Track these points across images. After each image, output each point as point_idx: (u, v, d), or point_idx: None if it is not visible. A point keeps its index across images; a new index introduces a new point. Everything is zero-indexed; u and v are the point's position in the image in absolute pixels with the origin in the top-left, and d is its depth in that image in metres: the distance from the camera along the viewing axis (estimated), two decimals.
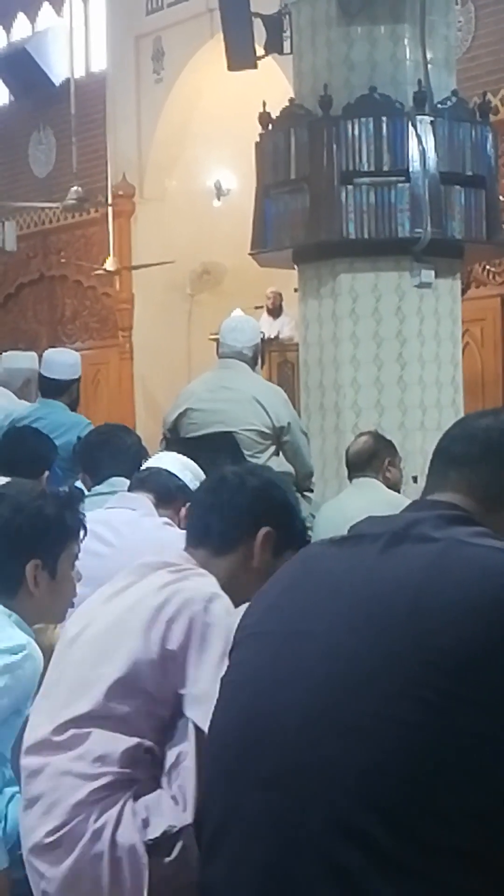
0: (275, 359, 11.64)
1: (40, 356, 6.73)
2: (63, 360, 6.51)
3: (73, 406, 6.45)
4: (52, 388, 6.35)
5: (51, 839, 2.19)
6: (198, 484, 3.79)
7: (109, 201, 13.72)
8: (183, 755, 2.20)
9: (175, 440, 6.10)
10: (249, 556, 2.44)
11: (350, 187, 6.69)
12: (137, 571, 2.42)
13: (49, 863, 2.20)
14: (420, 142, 6.64)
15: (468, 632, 1.58)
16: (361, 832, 1.56)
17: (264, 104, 7.18)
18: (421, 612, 1.61)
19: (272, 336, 11.87)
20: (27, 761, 2.29)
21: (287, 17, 7.32)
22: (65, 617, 2.77)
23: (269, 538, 2.44)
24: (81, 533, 2.84)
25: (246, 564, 2.44)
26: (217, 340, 6.34)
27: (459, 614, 1.59)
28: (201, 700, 2.16)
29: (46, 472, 5.15)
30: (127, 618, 2.29)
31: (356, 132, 6.68)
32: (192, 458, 4.05)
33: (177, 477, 3.82)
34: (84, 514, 2.91)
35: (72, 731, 2.23)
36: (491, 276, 10.81)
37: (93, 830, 2.16)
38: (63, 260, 14.79)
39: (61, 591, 2.78)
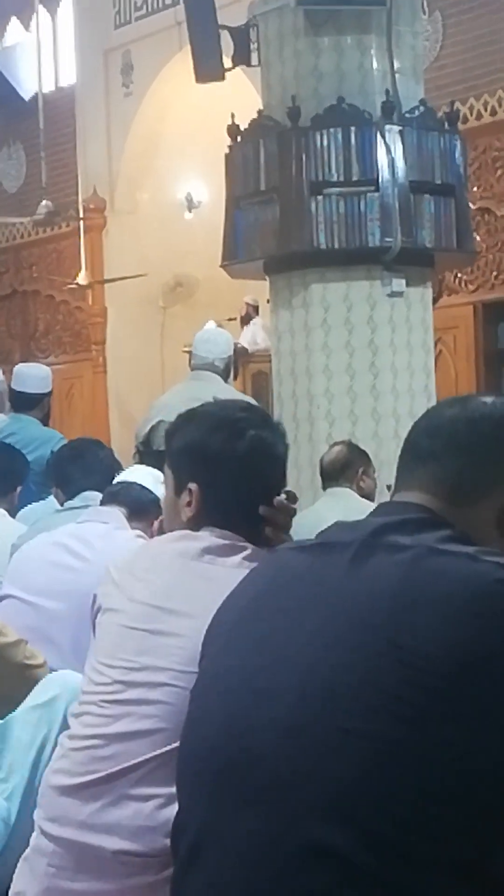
0: (249, 369, 11.66)
1: (12, 371, 6.74)
2: (34, 374, 6.55)
3: (46, 420, 6.47)
4: (24, 402, 6.37)
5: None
6: None
7: (80, 215, 13.71)
8: None
9: (149, 453, 6.11)
10: None
11: (320, 198, 6.69)
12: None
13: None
14: (389, 151, 6.65)
15: (446, 648, 1.56)
16: (337, 849, 1.54)
17: (233, 116, 7.19)
18: (397, 629, 1.59)
19: (245, 345, 11.89)
20: None
21: (254, 28, 7.33)
22: None
23: None
24: None
25: None
26: (190, 352, 6.37)
27: (436, 630, 1.57)
28: None
29: (19, 488, 5.14)
30: None
31: (325, 142, 6.68)
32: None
33: (149, 490, 3.81)
34: None
35: None
36: (463, 284, 10.85)
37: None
38: (35, 275, 14.78)
39: None
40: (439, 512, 1.77)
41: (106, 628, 2.28)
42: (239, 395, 6.34)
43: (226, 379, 6.27)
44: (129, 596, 2.27)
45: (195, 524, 2.32)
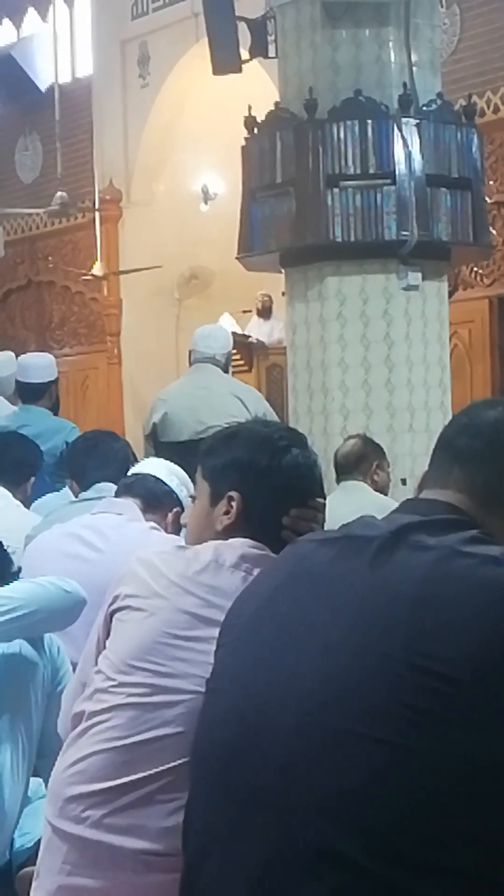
0: (263, 362, 11.65)
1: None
2: (38, 364, 6.57)
3: (55, 409, 6.45)
4: (30, 392, 6.38)
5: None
6: (184, 490, 3.80)
7: (96, 206, 13.71)
8: None
9: (165, 445, 6.16)
10: None
11: (336, 190, 6.69)
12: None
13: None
14: (406, 144, 6.65)
15: (463, 653, 1.54)
16: (345, 854, 1.53)
17: (250, 108, 7.18)
18: (417, 634, 1.57)
19: (262, 339, 11.90)
20: None
21: (272, 20, 7.33)
22: None
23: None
24: None
25: None
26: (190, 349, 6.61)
27: (455, 635, 1.55)
28: None
29: (32, 479, 5.15)
30: None
31: (342, 135, 6.68)
32: (181, 463, 4.04)
33: (163, 482, 3.81)
34: None
35: None
36: (479, 278, 10.83)
37: None
38: (51, 265, 14.78)
39: None
40: (470, 513, 1.75)
41: (133, 627, 2.24)
42: (240, 382, 6.57)
43: (225, 371, 6.47)
44: (164, 599, 2.24)
45: (229, 534, 2.31)
